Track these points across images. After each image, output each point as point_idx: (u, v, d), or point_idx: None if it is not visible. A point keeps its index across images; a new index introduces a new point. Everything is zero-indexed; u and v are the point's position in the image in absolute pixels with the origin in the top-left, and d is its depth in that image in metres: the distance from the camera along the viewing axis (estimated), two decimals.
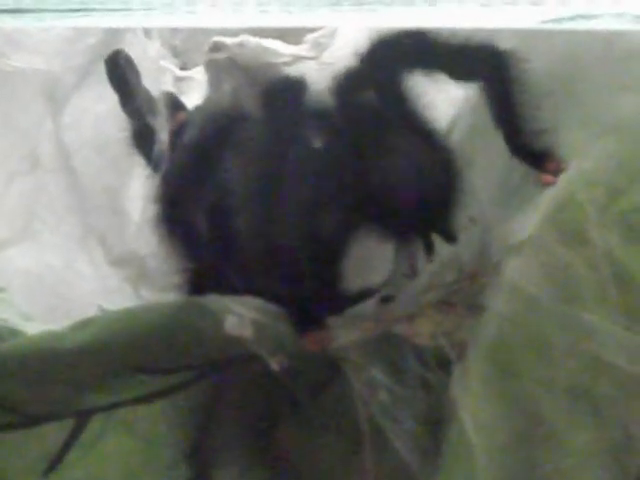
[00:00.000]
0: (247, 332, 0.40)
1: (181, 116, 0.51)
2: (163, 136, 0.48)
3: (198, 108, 0.50)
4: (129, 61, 0.50)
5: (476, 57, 0.41)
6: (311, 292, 0.41)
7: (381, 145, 0.40)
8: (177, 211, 0.45)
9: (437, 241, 0.43)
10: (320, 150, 0.41)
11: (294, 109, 0.41)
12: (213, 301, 0.41)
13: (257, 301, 0.41)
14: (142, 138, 0.49)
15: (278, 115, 0.41)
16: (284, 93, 0.41)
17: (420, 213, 0.40)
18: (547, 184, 0.40)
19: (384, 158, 0.40)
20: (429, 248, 0.42)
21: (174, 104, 0.50)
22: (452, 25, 0.41)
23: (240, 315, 0.40)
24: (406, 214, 0.40)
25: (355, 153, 0.40)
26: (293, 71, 0.48)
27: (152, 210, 0.45)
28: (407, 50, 0.40)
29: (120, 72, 0.49)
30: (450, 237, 0.41)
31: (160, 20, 0.45)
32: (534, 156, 0.41)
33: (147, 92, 0.50)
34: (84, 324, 0.41)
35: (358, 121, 0.41)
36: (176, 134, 0.49)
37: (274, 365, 0.40)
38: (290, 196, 0.39)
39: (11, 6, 0.40)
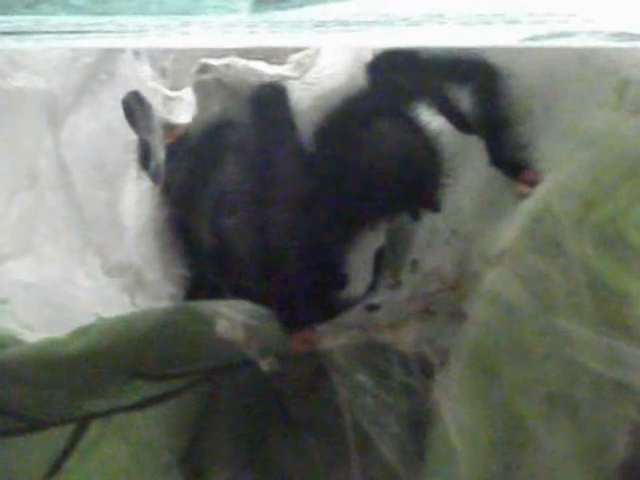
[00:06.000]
0: (238, 335, 0.41)
1: (177, 130, 0.52)
2: (160, 153, 0.49)
3: (192, 122, 0.52)
4: (143, 102, 0.51)
5: (466, 69, 0.43)
6: (304, 293, 0.42)
7: (369, 130, 0.42)
8: (178, 219, 0.46)
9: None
10: (312, 152, 0.43)
11: (282, 111, 0.42)
12: (204, 305, 0.41)
13: (246, 304, 0.42)
14: (148, 157, 0.50)
15: (266, 118, 0.42)
16: (271, 97, 0.43)
17: (408, 189, 0.42)
18: (523, 195, 0.41)
19: (374, 142, 0.42)
20: (416, 218, 0.43)
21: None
22: (433, 44, 0.42)
23: (231, 318, 0.41)
24: (395, 191, 0.41)
25: (344, 144, 0.42)
26: None
27: (152, 220, 0.46)
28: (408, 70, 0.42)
29: (136, 113, 0.51)
30: (435, 208, 0.43)
31: (154, 41, 0.46)
32: (513, 167, 0.42)
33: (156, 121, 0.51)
34: (83, 331, 0.41)
35: (348, 109, 0.43)
36: (174, 147, 0.50)
37: (264, 367, 0.41)
38: (283, 198, 0.41)
39: (11, 28, 0.41)
